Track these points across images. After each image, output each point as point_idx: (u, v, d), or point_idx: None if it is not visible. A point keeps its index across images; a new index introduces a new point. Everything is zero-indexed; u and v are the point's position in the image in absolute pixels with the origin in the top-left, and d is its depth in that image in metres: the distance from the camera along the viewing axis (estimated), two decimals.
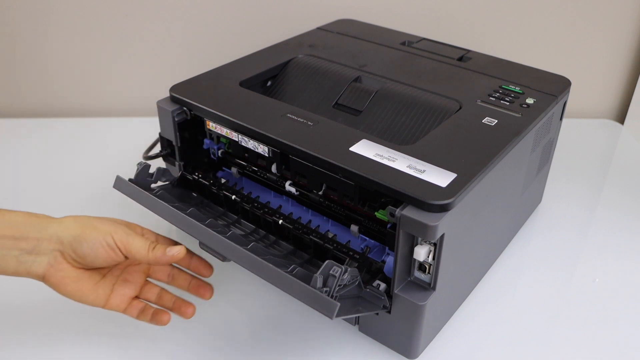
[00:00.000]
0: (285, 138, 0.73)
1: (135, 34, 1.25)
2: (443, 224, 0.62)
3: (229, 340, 0.77)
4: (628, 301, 0.85)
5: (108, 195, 1.02)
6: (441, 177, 0.66)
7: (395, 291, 0.69)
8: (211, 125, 0.81)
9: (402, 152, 0.71)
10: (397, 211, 0.63)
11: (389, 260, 0.69)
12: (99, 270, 0.69)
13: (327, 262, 0.64)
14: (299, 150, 0.71)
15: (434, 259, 0.67)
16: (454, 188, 0.64)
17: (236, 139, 0.79)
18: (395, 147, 0.72)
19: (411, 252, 0.67)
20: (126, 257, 0.67)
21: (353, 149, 0.71)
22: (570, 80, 0.91)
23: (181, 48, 1.28)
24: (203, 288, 0.73)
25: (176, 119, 0.82)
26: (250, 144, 0.77)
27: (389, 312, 0.71)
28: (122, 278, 0.71)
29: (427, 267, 0.68)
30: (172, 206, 0.73)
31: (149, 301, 0.72)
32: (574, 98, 1.31)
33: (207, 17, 1.24)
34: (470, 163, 0.69)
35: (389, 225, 0.67)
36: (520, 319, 0.81)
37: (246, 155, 0.83)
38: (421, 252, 0.65)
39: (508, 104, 0.83)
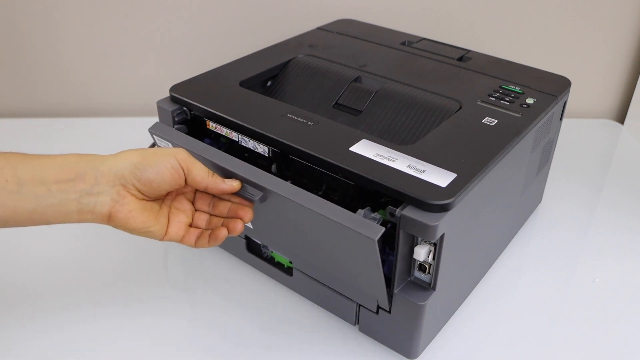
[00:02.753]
0: (285, 138, 0.73)
1: (135, 34, 1.25)
2: (443, 224, 0.62)
3: (229, 340, 0.77)
4: (628, 301, 0.85)
5: None
6: (441, 177, 0.66)
7: (395, 291, 0.69)
8: (211, 125, 0.81)
9: (402, 152, 0.70)
10: (397, 211, 0.63)
11: (389, 260, 0.69)
12: (156, 200, 0.68)
13: (367, 208, 0.66)
14: (299, 150, 0.71)
15: (434, 259, 0.67)
16: (454, 188, 0.64)
17: (236, 139, 0.79)
18: (395, 147, 0.71)
19: (411, 252, 0.67)
20: (185, 182, 0.66)
21: (353, 149, 0.71)
22: (570, 80, 0.91)
23: (181, 48, 1.28)
24: (242, 210, 0.69)
25: (176, 119, 0.82)
26: (250, 144, 0.77)
27: (389, 312, 0.71)
28: (174, 207, 0.69)
29: (427, 267, 0.68)
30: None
31: (200, 228, 0.70)
32: (574, 98, 1.31)
33: (207, 17, 1.24)
34: (470, 163, 0.69)
35: (389, 225, 0.67)
36: (520, 319, 0.81)
37: (246, 155, 0.83)
38: (421, 252, 0.65)
39: (508, 104, 0.83)
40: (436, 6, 1.25)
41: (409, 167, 0.67)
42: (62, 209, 0.61)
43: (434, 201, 0.62)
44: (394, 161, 0.68)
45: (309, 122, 0.76)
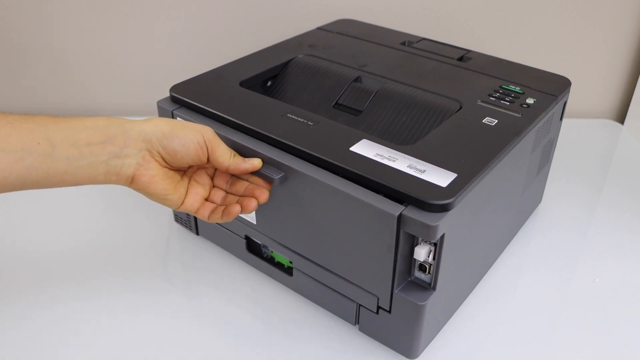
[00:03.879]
0: (285, 138, 0.73)
1: (135, 34, 1.25)
2: (443, 224, 0.62)
3: (229, 339, 0.77)
4: (628, 301, 0.85)
5: (108, 195, 1.03)
6: (441, 177, 0.66)
7: (396, 291, 0.69)
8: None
9: (403, 152, 0.71)
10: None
11: None
12: (178, 171, 0.70)
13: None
14: (299, 150, 0.71)
15: (434, 259, 0.67)
16: (454, 188, 0.64)
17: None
18: (395, 147, 0.71)
19: (411, 252, 0.67)
20: (207, 160, 0.69)
21: (353, 149, 0.71)
22: (570, 80, 0.91)
23: (181, 48, 1.28)
24: (259, 190, 0.71)
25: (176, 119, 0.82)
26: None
27: (389, 312, 0.71)
28: (193, 179, 0.72)
29: (427, 267, 0.68)
30: None
31: (215, 203, 0.73)
32: (574, 98, 1.31)
33: (207, 17, 1.24)
34: (471, 163, 0.69)
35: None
36: (520, 319, 0.81)
37: None
38: (421, 252, 0.65)
39: (508, 104, 0.83)
40: (436, 6, 1.25)
41: (409, 167, 0.68)
42: (91, 171, 0.63)
43: (435, 201, 0.62)
44: (394, 161, 0.69)
45: (309, 122, 0.76)
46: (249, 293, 0.84)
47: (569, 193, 1.09)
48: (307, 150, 0.71)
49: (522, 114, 0.80)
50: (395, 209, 0.63)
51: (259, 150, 0.72)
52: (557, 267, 0.91)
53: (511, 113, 0.80)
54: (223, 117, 0.78)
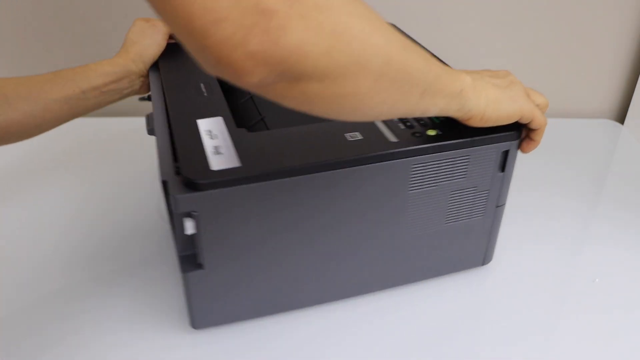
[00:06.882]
0: None
1: None
2: (189, 201, 0.63)
3: (228, 339, 0.78)
4: (628, 301, 0.83)
5: (107, 195, 1.07)
6: (225, 162, 0.66)
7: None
8: None
9: (239, 136, 0.71)
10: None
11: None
12: None
13: None
14: None
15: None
16: (221, 174, 0.64)
17: None
18: (241, 132, 0.72)
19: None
20: None
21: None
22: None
23: None
24: None
25: None
26: None
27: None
28: None
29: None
30: None
31: None
32: (574, 98, 1.29)
33: None
34: (281, 163, 0.66)
35: None
36: (520, 319, 0.82)
37: None
38: (188, 225, 0.66)
39: (405, 127, 0.74)
40: (436, 6, 1.25)
41: (216, 147, 0.69)
42: (113, 99, 0.91)
43: (192, 178, 0.63)
44: (215, 139, 0.70)
45: None
46: None
47: (569, 193, 1.07)
48: None
49: (401, 140, 0.71)
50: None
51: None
52: (557, 267, 0.90)
53: (390, 135, 0.72)
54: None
